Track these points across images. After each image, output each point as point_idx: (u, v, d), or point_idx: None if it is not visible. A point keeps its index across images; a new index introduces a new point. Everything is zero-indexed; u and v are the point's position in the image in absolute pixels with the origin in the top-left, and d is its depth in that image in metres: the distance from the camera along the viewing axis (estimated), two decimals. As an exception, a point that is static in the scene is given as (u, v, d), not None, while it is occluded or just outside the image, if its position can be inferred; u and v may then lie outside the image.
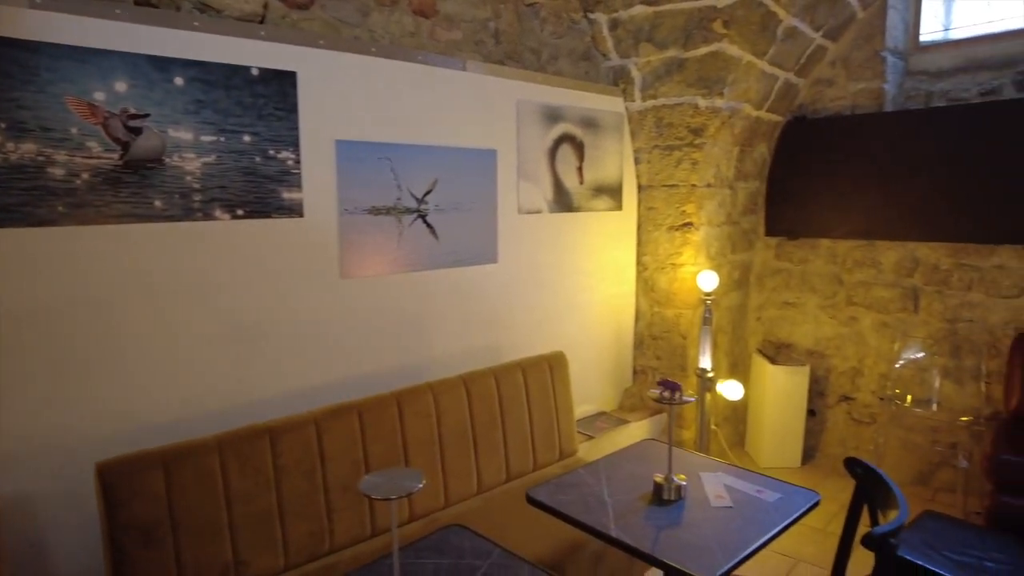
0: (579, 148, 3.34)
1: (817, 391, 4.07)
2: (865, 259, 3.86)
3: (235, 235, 2.22)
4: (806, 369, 3.83)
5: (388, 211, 2.60)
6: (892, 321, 3.78)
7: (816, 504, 1.89)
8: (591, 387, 3.61)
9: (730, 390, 3.50)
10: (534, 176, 3.13)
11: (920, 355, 3.64)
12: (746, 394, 4.10)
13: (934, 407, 3.56)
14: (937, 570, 2.20)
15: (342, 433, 2.24)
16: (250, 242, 2.25)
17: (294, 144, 2.34)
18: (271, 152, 2.29)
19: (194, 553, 1.91)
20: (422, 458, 2.41)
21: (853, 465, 1.87)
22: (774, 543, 3.13)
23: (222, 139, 2.16)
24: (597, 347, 3.62)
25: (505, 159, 2.98)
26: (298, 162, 2.35)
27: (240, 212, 2.23)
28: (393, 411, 2.36)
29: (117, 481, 1.80)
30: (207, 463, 1.96)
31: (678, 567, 1.57)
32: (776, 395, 3.82)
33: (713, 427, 3.78)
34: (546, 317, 3.28)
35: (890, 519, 1.57)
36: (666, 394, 1.92)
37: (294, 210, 2.36)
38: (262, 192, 2.28)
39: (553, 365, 2.91)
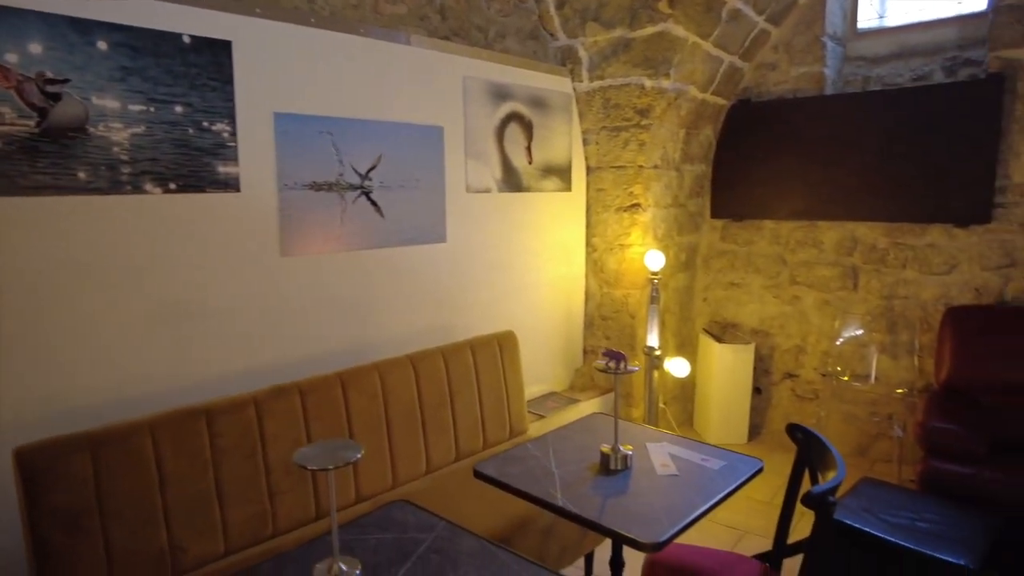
0: (527, 128, 3.32)
1: (762, 369, 4.16)
2: (807, 239, 3.96)
3: (168, 210, 2.12)
4: (751, 347, 3.91)
5: (330, 187, 2.53)
6: (833, 299, 3.89)
7: (760, 471, 1.92)
8: (542, 367, 3.61)
9: (677, 367, 3.55)
10: (482, 155, 3.10)
11: (859, 332, 3.76)
12: (693, 373, 4.17)
13: (872, 381, 3.69)
14: (873, 532, 2.28)
15: (284, 414, 2.17)
16: (184, 217, 2.16)
17: (230, 116, 2.25)
18: (205, 124, 2.19)
19: (125, 540, 1.82)
20: (368, 438, 2.36)
21: (794, 431, 1.91)
22: (722, 516, 3.21)
23: (152, 109, 2.06)
24: (547, 328, 3.62)
25: (452, 136, 2.94)
26: (234, 135, 2.26)
27: (173, 186, 2.14)
28: (337, 391, 2.30)
29: (38, 466, 1.70)
30: (138, 446, 1.87)
31: (624, 534, 1.57)
32: (722, 373, 3.89)
33: (662, 405, 3.83)
34: (496, 298, 3.26)
35: (829, 480, 1.61)
36: (611, 364, 1.92)
37: (230, 185, 2.27)
38: (196, 165, 2.19)
39: (503, 344, 2.89)
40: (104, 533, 1.79)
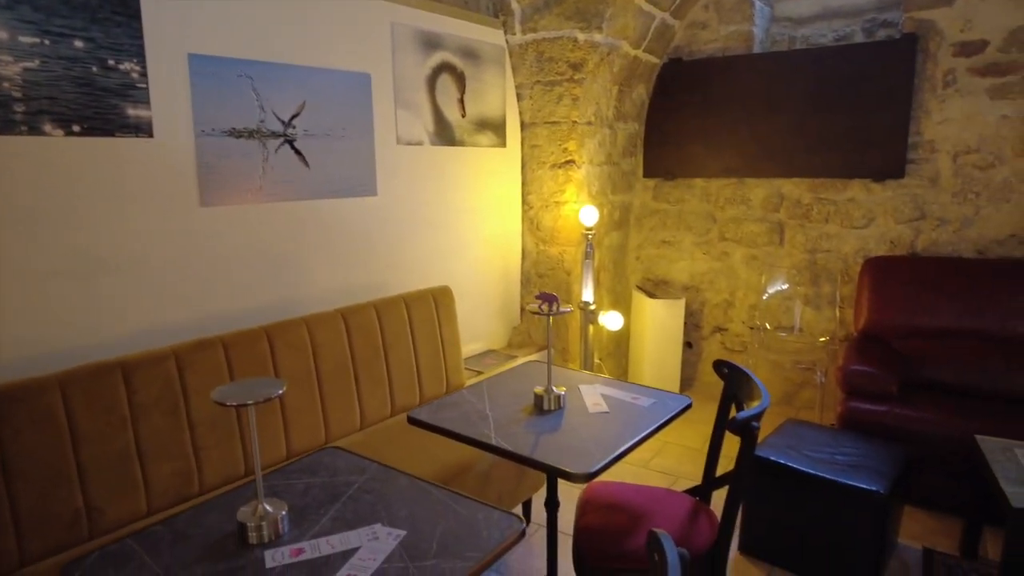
0: (460, 79, 3.25)
1: (693, 324, 4.27)
2: (736, 196, 4.06)
3: (72, 154, 1.98)
4: (681, 302, 4.00)
5: (251, 134, 2.42)
6: (760, 254, 4.01)
7: (688, 407, 1.96)
8: (479, 325, 3.60)
9: (611, 320, 3.60)
10: (413, 105, 3.01)
11: (784, 286, 3.90)
12: (628, 329, 4.24)
13: (796, 332, 3.84)
14: (796, 466, 2.38)
15: (207, 368, 2.08)
16: (91, 163, 2.01)
17: (138, 55, 2.10)
18: (111, 62, 2.04)
19: (35, 501, 1.72)
20: (298, 392, 2.30)
21: (720, 366, 1.96)
22: (657, 463, 3.30)
23: (47, 42, 1.90)
24: (484, 285, 3.60)
25: (380, 85, 2.85)
26: (144, 75, 2.12)
27: (76, 128, 1.99)
28: (263, 345, 2.23)
29: (-69, 423, 1.58)
30: (46, 403, 1.76)
31: (556, 466, 1.58)
32: (655, 328, 3.97)
33: (597, 360, 3.89)
34: (431, 254, 3.21)
35: (753, 407, 1.65)
36: (544, 306, 1.92)
37: (142, 129, 2.13)
38: (102, 107, 2.04)
39: (438, 299, 2.85)
40: (10, 495, 1.68)
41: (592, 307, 3.54)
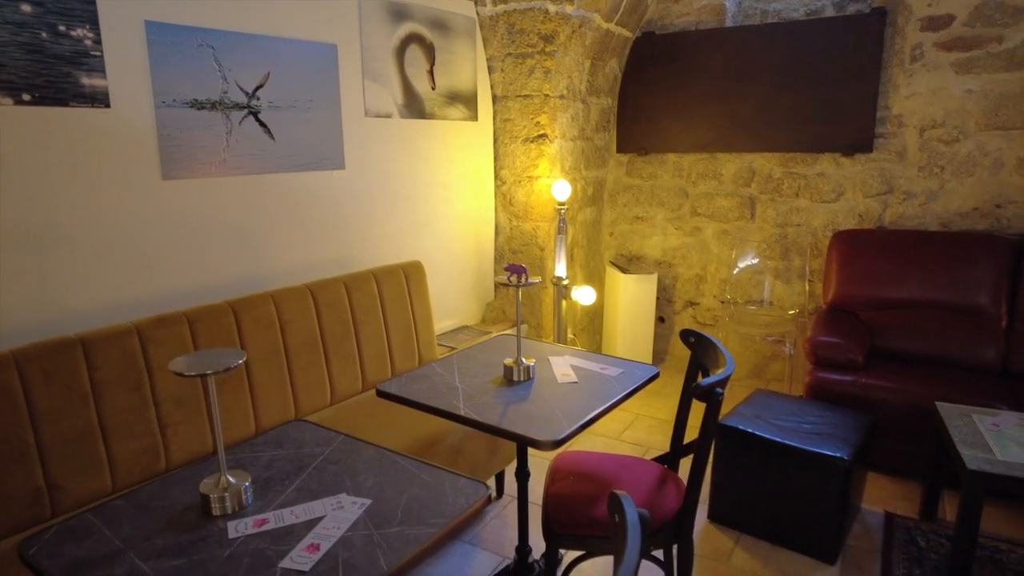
0: (429, 50, 3.20)
1: (666, 299, 4.30)
2: (708, 171, 4.07)
3: (24, 124, 1.91)
4: (654, 276, 4.02)
5: (214, 106, 2.36)
6: (732, 229, 4.04)
7: (656, 376, 1.98)
8: (453, 301, 3.58)
9: (584, 296, 3.61)
10: (381, 77, 2.96)
11: (755, 261, 3.93)
12: (602, 304, 4.26)
13: (766, 305, 3.89)
14: (763, 434, 2.42)
15: (171, 343, 2.04)
16: (45, 134, 1.95)
17: (91, 21, 2.03)
18: (62, 28, 1.97)
19: (-7, 478, 1.68)
20: (266, 368, 2.27)
21: (687, 335, 1.97)
22: (628, 435, 3.34)
23: (-7, 6, 1.82)
24: (458, 261, 3.58)
25: (347, 56, 2.79)
26: (99, 42, 2.05)
27: (26, 97, 1.92)
28: (229, 320, 2.19)
29: None
30: (2, 379, 1.72)
31: (523, 435, 1.59)
32: (627, 303, 3.99)
33: (571, 335, 3.90)
34: (402, 229, 3.18)
35: (717, 374, 1.67)
36: (512, 278, 1.91)
37: (98, 99, 2.07)
38: (54, 75, 1.97)
39: (409, 274, 2.83)
40: (-34, 472, 1.65)
41: (565, 282, 3.54)
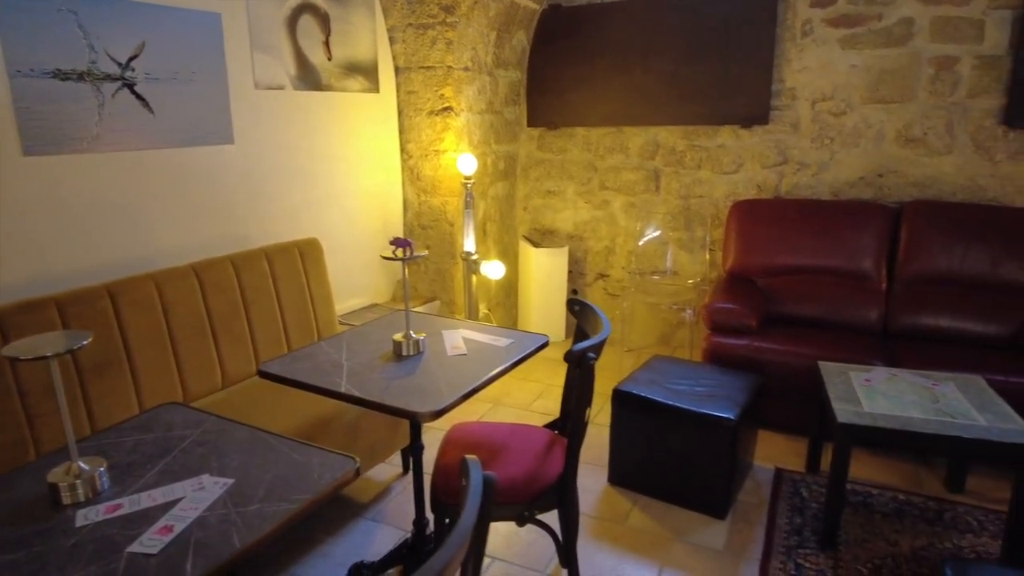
0: (324, 20, 3.09)
1: (578, 272, 4.37)
2: (615, 145, 4.13)
3: None
4: (565, 250, 4.08)
5: (81, 77, 2.21)
6: (638, 202, 4.13)
7: (545, 344, 2.01)
8: (360, 279, 3.53)
9: (493, 270, 3.62)
10: (272, 48, 2.85)
11: (657, 233, 4.03)
12: (516, 279, 4.29)
13: (669, 275, 4.00)
14: (655, 398, 2.50)
15: (36, 331, 1.93)
16: None
17: (-72, -18, 1.86)
18: None
19: None
20: (148, 352, 2.18)
21: (572, 304, 2.01)
22: (538, 404, 3.39)
23: None
24: (365, 238, 3.52)
25: (233, 25, 2.67)
26: (-63, 6, 1.88)
27: None
28: (105, 304, 2.09)
29: None
30: None
31: (401, 408, 1.59)
32: (540, 276, 4.04)
33: (486, 311, 3.92)
34: (300, 205, 3.09)
35: (592, 338, 1.71)
36: (398, 251, 1.89)
37: (-59, 68, 1.91)
38: None
39: (305, 252, 2.76)
40: None
41: (474, 257, 3.54)
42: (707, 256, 3.95)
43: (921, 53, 3.32)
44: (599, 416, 3.25)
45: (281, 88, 2.92)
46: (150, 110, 2.43)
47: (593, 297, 4.37)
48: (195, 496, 1.26)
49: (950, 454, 2.66)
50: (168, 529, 1.16)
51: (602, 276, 4.33)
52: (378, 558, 2.14)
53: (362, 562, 2.13)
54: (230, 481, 1.30)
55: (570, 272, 4.30)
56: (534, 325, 4.10)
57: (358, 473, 1.34)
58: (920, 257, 3.20)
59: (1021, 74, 3.11)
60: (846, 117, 3.55)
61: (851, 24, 3.44)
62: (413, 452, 2.00)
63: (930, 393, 2.34)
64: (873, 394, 2.33)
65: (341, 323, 3.01)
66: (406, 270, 1.97)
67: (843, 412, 2.19)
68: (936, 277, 3.18)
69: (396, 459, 2.80)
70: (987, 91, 3.23)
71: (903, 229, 3.27)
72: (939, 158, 3.38)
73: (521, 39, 4.06)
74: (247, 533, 1.14)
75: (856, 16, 3.42)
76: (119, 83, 2.32)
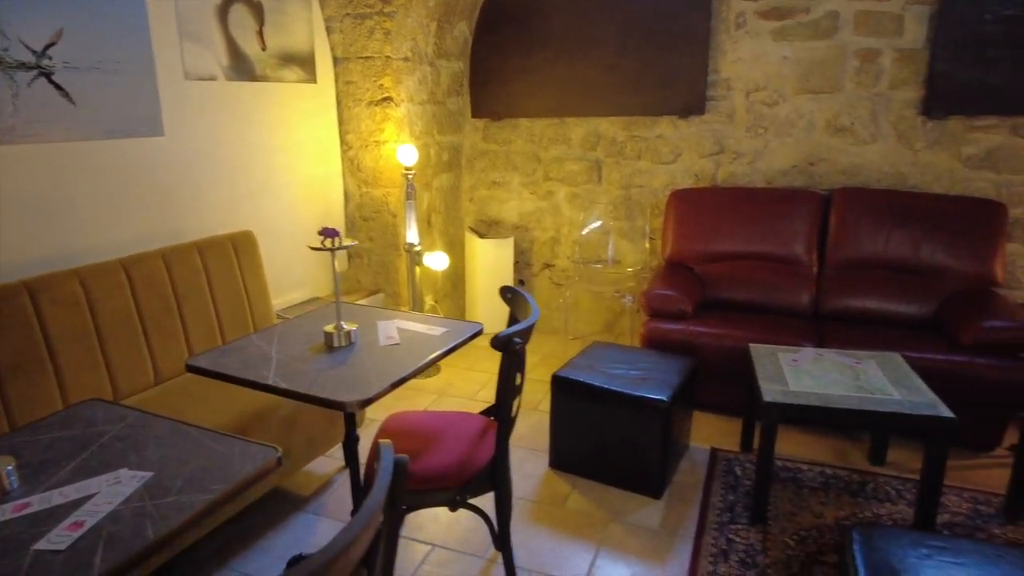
0: (257, 10, 3.04)
1: (524, 262, 4.41)
2: (558, 136, 4.17)
3: None
4: (510, 240, 4.11)
5: (-8, 65, 2.13)
6: (581, 192, 4.18)
7: (479, 332, 2.03)
8: (301, 272, 3.49)
9: (436, 261, 3.62)
10: (202, 37, 2.79)
11: (598, 223, 4.09)
12: (464, 270, 4.30)
13: (612, 264, 4.07)
14: (591, 382, 2.56)
15: (-51, 328, 1.86)
16: None
17: None
18: None
19: None
20: (73, 351, 2.12)
21: (504, 292, 2.03)
22: (484, 395, 3.42)
23: None
24: (304, 230, 3.48)
25: (159, 14, 2.60)
26: None
27: None
28: (23, 301, 2.02)
29: None
30: None
31: (328, 398, 1.59)
32: (486, 267, 4.06)
33: (432, 302, 3.92)
34: (235, 198, 3.03)
35: (519, 324, 1.74)
36: (326, 241, 1.89)
37: None
38: None
39: (239, 245, 2.72)
40: None
41: (417, 249, 3.54)
42: (647, 245, 4.03)
43: (847, 46, 3.45)
44: (542, 403, 3.30)
45: (213, 79, 2.86)
46: (71, 101, 2.35)
47: (539, 286, 4.41)
48: (110, 491, 1.24)
49: (868, 428, 2.79)
50: (79, 525, 1.14)
51: (548, 266, 4.37)
52: (318, 551, 2.13)
53: (301, 555, 2.12)
54: (148, 474, 1.29)
55: (516, 262, 4.34)
56: (481, 316, 4.12)
57: (279, 462, 1.34)
58: (848, 242, 3.33)
59: (938, 67, 3.26)
60: (779, 107, 3.66)
61: (781, 16, 3.54)
62: (347, 444, 2.00)
63: (852, 371, 2.44)
64: (799, 374, 2.43)
65: (279, 317, 2.97)
66: (335, 260, 1.97)
67: (769, 391, 2.27)
68: (863, 261, 3.31)
69: (338, 452, 2.79)
70: (907, 83, 3.37)
71: (832, 215, 3.40)
72: (865, 147, 3.52)
73: (463, 29, 4.05)
74: (162, 524, 1.13)
75: (786, 9, 3.52)
76: (35, 72, 2.24)
